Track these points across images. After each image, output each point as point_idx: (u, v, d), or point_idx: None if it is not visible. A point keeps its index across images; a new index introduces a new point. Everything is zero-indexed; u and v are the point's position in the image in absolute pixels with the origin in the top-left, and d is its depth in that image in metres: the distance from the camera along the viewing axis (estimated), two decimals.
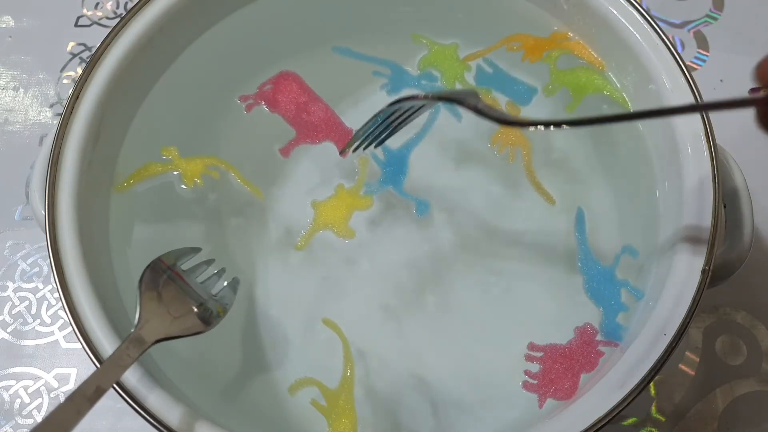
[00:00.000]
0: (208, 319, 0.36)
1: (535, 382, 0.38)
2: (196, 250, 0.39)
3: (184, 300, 0.36)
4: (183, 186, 0.42)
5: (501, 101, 0.44)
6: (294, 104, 0.44)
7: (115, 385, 0.32)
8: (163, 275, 0.36)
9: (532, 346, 0.39)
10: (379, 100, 0.44)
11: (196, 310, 0.36)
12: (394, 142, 0.42)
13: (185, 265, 0.38)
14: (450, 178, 0.43)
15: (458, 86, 0.45)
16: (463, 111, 0.43)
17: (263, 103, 0.44)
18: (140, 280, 0.35)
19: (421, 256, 0.41)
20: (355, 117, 0.44)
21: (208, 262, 0.39)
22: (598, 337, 0.38)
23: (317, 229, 0.42)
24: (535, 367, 0.38)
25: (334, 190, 0.43)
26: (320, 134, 0.44)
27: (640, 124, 0.41)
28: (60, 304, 0.46)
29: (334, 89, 0.45)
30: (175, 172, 0.42)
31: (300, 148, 0.44)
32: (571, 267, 0.40)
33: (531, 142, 0.43)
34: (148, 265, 0.36)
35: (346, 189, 0.43)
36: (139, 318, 0.33)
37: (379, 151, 0.43)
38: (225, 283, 0.39)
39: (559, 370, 0.38)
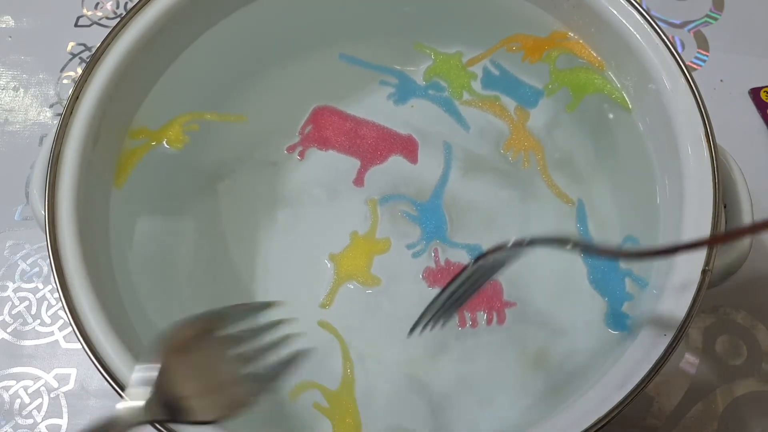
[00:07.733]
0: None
1: None
2: (262, 306, 0.33)
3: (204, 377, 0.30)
4: (167, 146, 0.41)
5: (509, 106, 0.44)
6: (343, 134, 0.43)
7: (120, 391, 0.32)
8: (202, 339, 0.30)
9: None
10: (386, 108, 0.44)
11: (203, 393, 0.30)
12: (421, 194, 0.42)
13: (232, 328, 0.31)
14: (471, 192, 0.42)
15: (466, 96, 0.45)
16: (470, 121, 0.44)
17: (314, 145, 0.43)
18: (165, 336, 0.29)
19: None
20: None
21: (266, 327, 0.32)
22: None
23: (341, 283, 0.40)
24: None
25: (349, 239, 0.41)
26: (384, 152, 0.43)
27: (641, 124, 0.41)
28: (60, 304, 0.45)
29: (339, 97, 0.44)
30: (166, 145, 0.42)
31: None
32: (573, 259, 0.40)
33: (543, 146, 0.43)
34: (186, 320, 0.30)
35: (362, 235, 0.41)
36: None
37: (409, 206, 0.42)
38: (273, 359, 0.32)
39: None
